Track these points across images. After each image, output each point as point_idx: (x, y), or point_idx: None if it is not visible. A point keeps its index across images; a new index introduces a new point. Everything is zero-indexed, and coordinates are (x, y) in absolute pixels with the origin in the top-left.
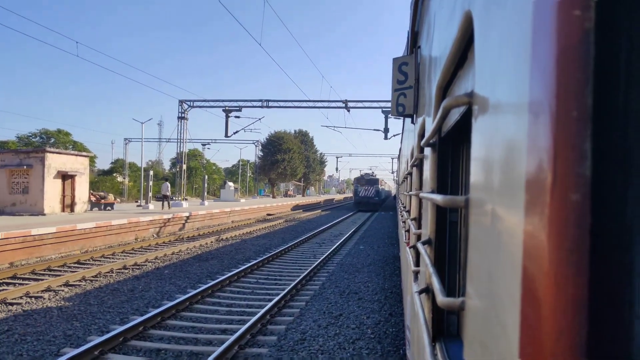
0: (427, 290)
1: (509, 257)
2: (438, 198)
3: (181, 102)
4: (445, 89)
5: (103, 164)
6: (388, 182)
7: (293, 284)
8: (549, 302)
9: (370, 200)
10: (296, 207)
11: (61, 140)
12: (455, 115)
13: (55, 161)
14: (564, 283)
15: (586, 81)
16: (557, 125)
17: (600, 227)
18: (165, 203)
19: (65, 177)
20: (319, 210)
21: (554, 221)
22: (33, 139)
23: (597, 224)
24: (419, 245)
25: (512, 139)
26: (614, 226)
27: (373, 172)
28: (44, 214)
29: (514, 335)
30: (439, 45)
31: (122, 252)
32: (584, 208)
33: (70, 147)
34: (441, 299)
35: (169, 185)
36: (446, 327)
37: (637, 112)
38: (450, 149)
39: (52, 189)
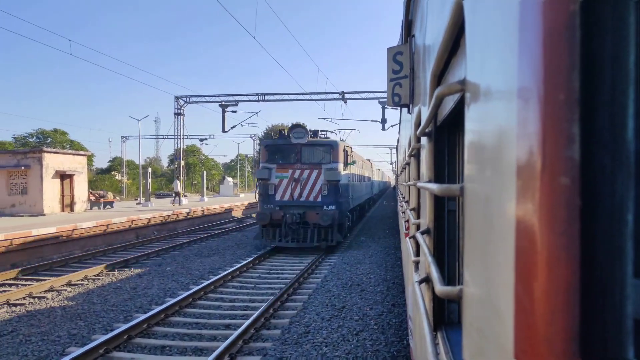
0: (427, 280)
1: (502, 243)
2: (434, 187)
3: (177, 98)
4: (439, 77)
5: (101, 162)
6: (383, 169)
7: (295, 277)
8: (542, 286)
9: (308, 213)
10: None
11: (58, 140)
12: (450, 103)
13: (53, 161)
14: (556, 266)
15: (573, 64)
16: (545, 110)
17: (590, 209)
18: (177, 199)
19: (64, 176)
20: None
21: (544, 205)
22: (30, 139)
23: (586, 206)
24: (418, 235)
25: (504, 124)
26: (603, 208)
27: (324, 132)
28: (44, 214)
29: (508, 320)
30: (432, 33)
31: (123, 250)
32: (574, 191)
33: (68, 146)
34: (439, 288)
35: (179, 182)
36: (448, 315)
37: (623, 94)
38: (447, 137)
39: (51, 189)
